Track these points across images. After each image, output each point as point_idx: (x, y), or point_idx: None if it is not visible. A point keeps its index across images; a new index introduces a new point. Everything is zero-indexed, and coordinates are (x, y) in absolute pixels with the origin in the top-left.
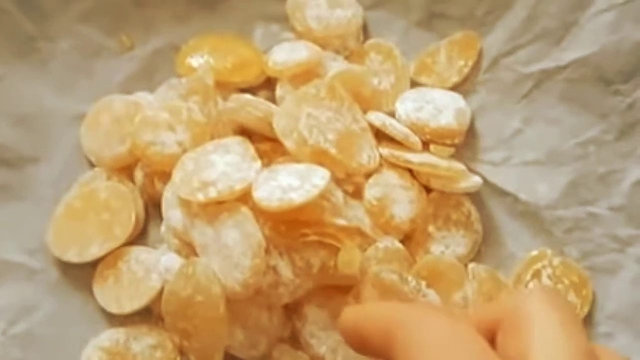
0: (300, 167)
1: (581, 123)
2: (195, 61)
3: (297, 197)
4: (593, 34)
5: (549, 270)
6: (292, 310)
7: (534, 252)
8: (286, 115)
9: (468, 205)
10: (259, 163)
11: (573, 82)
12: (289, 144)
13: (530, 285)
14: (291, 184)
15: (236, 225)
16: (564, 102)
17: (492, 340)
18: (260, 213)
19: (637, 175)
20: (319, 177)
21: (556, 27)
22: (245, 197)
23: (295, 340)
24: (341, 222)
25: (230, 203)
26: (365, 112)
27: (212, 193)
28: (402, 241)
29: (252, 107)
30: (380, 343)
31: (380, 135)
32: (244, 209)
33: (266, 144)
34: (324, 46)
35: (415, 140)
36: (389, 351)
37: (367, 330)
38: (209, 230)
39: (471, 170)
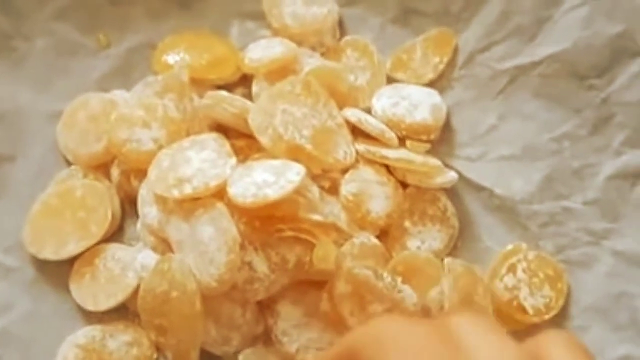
0: (276, 163)
1: (556, 118)
2: (171, 58)
3: (272, 193)
4: (566, 30)
5: (524, 264)
6: (265, 306)
7: (510, 247)
8: (261, 111)
9: (444, 201)
10: (234, 159)
11: (547, 78)
12: (264, 140)
13: (506, 279)
14: (266, 180)
15: (211, 221)
16: (539, 98)
17: None
18: (235, 209)
19: (611, 170)
20: (294, 173)
21: (530, 23)
22: (220, 193)
23: (268, 338)
24: (317, 217)
25: (206, 199)
26: (341, 108)
27: (188, 189)
28: (378, 236)
29: (228, 103)
30: None
31: (357, 132)
32: (219, 205)
33: (242, 141)
34: (300, 43)
35: (391, 136)
36: None
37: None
38: (185, 227)
39: (447, 166)
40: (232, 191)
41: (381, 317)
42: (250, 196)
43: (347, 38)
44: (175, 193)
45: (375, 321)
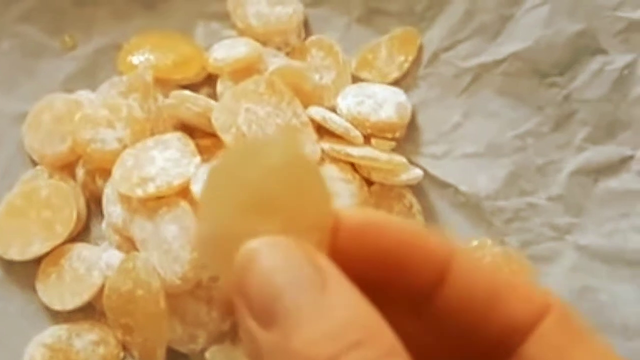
0: None
1: (519, 116)
2: (136, 59)
3: None
4: (528, 29)
5: (489, 259)
6: (232, 303)
7: (475, 242)
8: (225, 110)
9: (410, 197)
10: (198, 158)
11: (510, 76)
12: (227, 138)
13: None
14: None
15: (175, 220)
16: (502, 96)
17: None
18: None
19: (573, 166)
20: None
21: (493, 22)
22: (184, 192)
23: (235, 334)
24: None
25: (170, 198)
26: (306, 107)
27: (151, 188)
28: None
29: (191, 103)
30: None
31: (322, 130)
32: (183, 204)
33: (207, 140)
34: (265, 43)
35: (356, 134)
36: None
37: None
38: (149, 225)
39: (412, 163)
40: (196, 189)
41: None
42: None
43: (312, 38)
44: (139, 192)
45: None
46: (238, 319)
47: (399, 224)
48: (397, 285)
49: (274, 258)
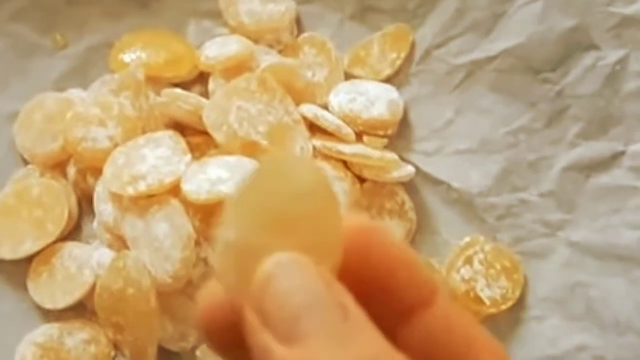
0: (231, 159)
1: (511, 112)
2: (127, 57)
3: (226, 189)
4: (521, 25)
5: (481, 256)
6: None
7: (467, 239)
8: (216, 108)
9: (402, 195)
10: (189, 156)
11: (503, 72)
12: (218, 136)
13: (462, 271)
14: (220, 177)
15: (166, 218)
16: (495, 92)
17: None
18: (191, 205)
19: (565, 162)
20: (249, 170)
21: (485, 18)
22: (175, 190)
23: None
24: None
25: (161, 196)
26: (298, 104)
27: (142, 187)
28: None
29: (182, 101)
30: None
31: (315, 128)
32: (174, 202)
33: (198, 138)
34: (257, 40)
35: (348, 131)
36: None
37: None
38: (140, 223)
39: (404, 160)
40: (186, 188)
41: None
42: (204, 193)
43: (304, 35)
44: (130, 190)
45: None
46: (245, 330)
47: (396, 246)
48: (374, 301)
49: (296, 276)
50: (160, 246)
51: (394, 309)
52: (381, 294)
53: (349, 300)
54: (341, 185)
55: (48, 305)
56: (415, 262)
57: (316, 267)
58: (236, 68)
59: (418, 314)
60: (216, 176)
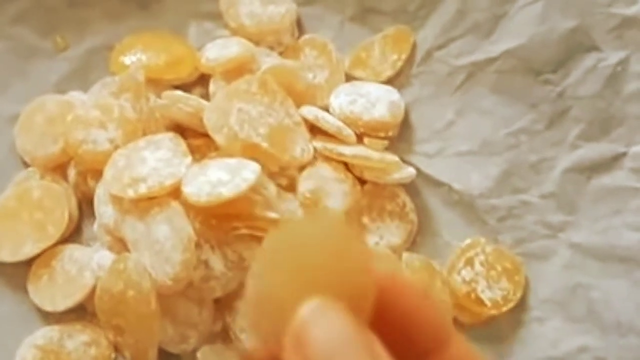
0: (231, 161)
1: (512, 113)
2: (128, 59)
3: (226, 192)
4: (521, 26)
5: (482, 258)
6: (223, 304)
7: (468, 241)
8: (217, 110)
9: (403, 196)
10: (189, 158)
11: (504, 73)
12: (219, 138)
13: (463, 273)
14: (221, 179)
15: (166, 220)
16: (496, 93)
17: None
18: (191, 208)
19: (567, 163)
20: (249, 171)
21: (486, 20)
22: (176, 193)
23: (226, 335)
24: (273, 215)
25: (161, 198)
26: (299, 106)
27: (142, 189)
28: None
29: (183, 103)
30: None
31: (316, 129)
32: (174, 204)
33: (199, 140)
34: (258, 42)
35: (349, 133)
36: None
37: None
38: (140, 226)
39: (405, 162)
40: (187, 190)
41: None
42: (205, 195)
43: (305, 37)
44: (131, 193)
45: None
46: None
47: (418, 293)
48: (394, 344)
49: (330, 322)
50: (160, 248)
51: (413, 351)
52: (401, 336)
53: (378, 346)
54: (342, 187)
55: (48, 307)
56: (434, 307)
57: (348, 312)
58: (237, 70)
59: (435, 356)
60: (217, 178)
